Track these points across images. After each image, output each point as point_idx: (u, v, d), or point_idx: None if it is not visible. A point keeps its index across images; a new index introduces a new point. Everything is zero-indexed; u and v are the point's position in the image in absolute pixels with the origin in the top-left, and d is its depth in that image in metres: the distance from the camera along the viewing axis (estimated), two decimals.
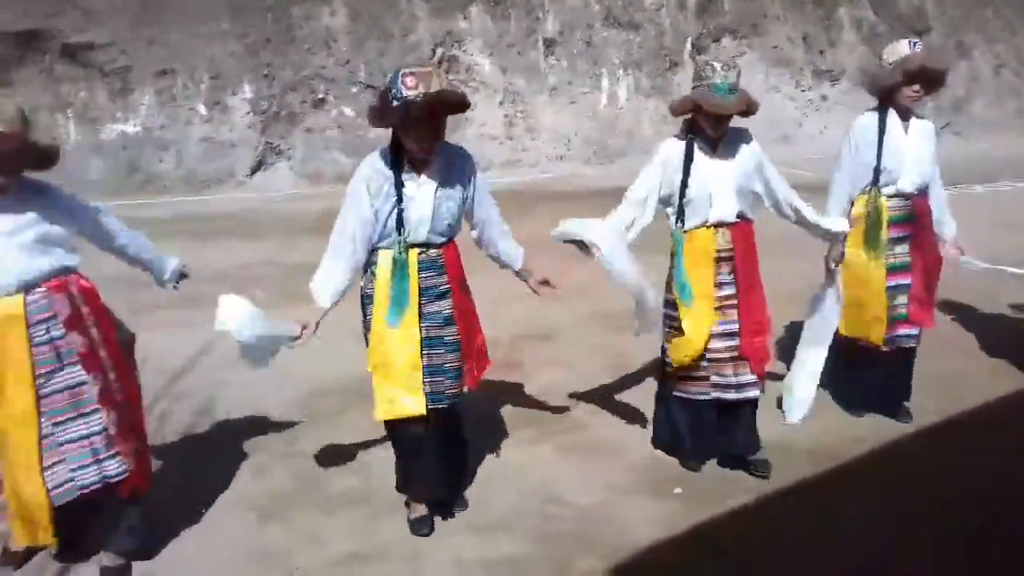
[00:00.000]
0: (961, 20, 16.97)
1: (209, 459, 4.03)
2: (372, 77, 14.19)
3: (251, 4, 13.89)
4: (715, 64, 3.42)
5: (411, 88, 2.82)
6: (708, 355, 3.63)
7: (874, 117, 4.06)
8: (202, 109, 13.62)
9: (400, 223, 3.08)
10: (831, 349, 4.11)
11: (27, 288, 2.84)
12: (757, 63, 16.08)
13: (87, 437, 2.91)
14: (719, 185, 3.54)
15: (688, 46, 15.77)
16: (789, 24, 16.33)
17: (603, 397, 4.63)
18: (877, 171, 4.03)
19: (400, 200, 3.06)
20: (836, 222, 3.89)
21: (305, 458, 4.00)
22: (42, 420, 2.86)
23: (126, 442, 3.00)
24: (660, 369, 3.94)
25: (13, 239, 2.80)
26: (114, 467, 2.96)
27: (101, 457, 2.93)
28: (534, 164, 14.72)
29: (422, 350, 3.15)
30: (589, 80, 15.32)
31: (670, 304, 3.69)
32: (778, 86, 16.02)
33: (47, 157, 2.89)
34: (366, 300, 3.23)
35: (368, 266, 3.20)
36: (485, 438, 4.06)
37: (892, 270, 4.08)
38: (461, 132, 14.67)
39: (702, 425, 3.76)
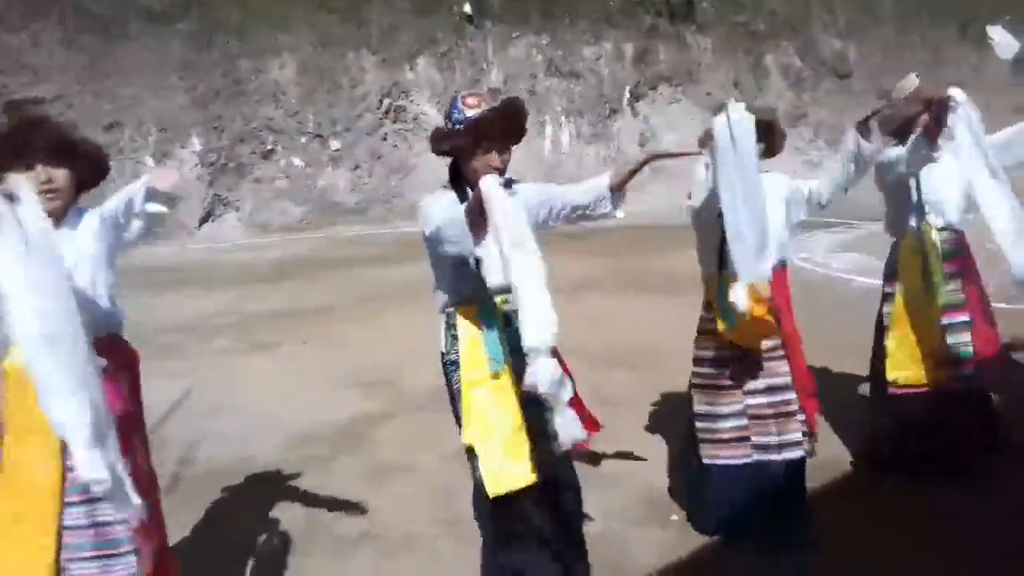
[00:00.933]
0: (881, 66, 18.12)
1: (201, 510, 3.98)
2: (321, 127, 14.60)
3: (200, 58, 14.20)
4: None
5: (473, 107, 2.64)
6: (749, 411, 3.27)
7: (901, 151, 3.64)
8: (150, 161, 13.79)
9: (477, 262, 2.68)
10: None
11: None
12: (692, 109, 16.93)
13: (100, 526, 2.42)
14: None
15: (626, 94, 16.58)
16: (721, 71, 17.27)
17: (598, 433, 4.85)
18: (921, 205, 3.81)
19: None
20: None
21: (303, 505, 3.98)
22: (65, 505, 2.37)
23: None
24: (689, 438, 3.47)
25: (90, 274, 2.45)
26: (123, 570, 2.46)
27: (111, 554, 2.44)
28: None
29: (523, 410, 2.72)
30: (533, 127, 15.85)
31: (703, 361, 3.37)
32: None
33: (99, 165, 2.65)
34: (450, 368, 2.81)
35: (447, 331, 2.83)
36: None
37: (946, 308, 3.77)
38: (410, 178, 15.16)
39: (745, 497, 3.30)
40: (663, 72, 16.92)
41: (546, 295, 2.28)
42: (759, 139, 3.06)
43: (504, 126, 2.66)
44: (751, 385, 3.28)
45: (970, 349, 3.73)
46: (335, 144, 14.65)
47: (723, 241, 3.17)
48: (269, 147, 14.34)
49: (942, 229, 3.81)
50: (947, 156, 3.67)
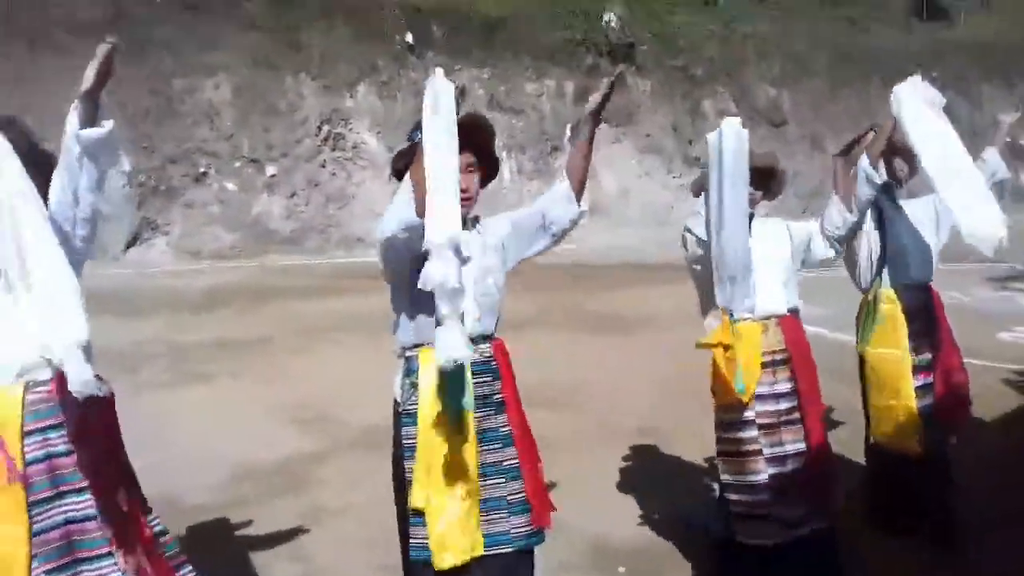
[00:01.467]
0: (812, 114, 18.82)
1: None
2: (256, 152, 14.32)
3: (130, 75, 13.80)
4: None
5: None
6: (773, 482, 3.02)
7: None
8: None
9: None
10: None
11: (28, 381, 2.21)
12: (631, 150, 17.25)
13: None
14: (768, 272, 3.14)
15: (567, 132, 16.69)
16: (659, 114, 17.65)
17: None
18: (883, 259, 3.73)
19: None
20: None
21: (236, 548, 3.85)
22: (33, 565, 2.14)
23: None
24: (722, 510, 3.17)
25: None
26: None
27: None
28: None
29: (483, 477, 2.46)
30: None
31: (723, 424, 3.16)
32: (650, 172, 17.19)
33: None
34: (405, 420, 2.50)
35: (405, 377, 2.53)
36: None
37: (917, 369, 3.67)
38: (349, 209, 14.98)
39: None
40: (604, 112, 17.14)
41: (456, 200, 2.14)
42: (758, 185, 3.13)
43: (465, 141, 2.34)
44: (772, 451, 3.03)
45: (930, 413, 3.63)
46: (271, 169, 14.35)
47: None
48: (202, 170, 13.95)
49: (908, 287, 3.72)
50: (919, 208, 3.78)
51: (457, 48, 16.35)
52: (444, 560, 2.37)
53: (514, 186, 16.10)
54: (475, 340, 2.40)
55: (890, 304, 3.69)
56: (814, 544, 3.03)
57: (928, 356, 3.70)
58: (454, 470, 2.41)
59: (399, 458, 2.54)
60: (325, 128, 15.01)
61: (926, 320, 3.73)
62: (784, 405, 3.06)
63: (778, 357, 3.08)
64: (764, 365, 3.05)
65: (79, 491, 2.22)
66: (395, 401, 2.58)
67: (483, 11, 16.81)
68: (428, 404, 2.42)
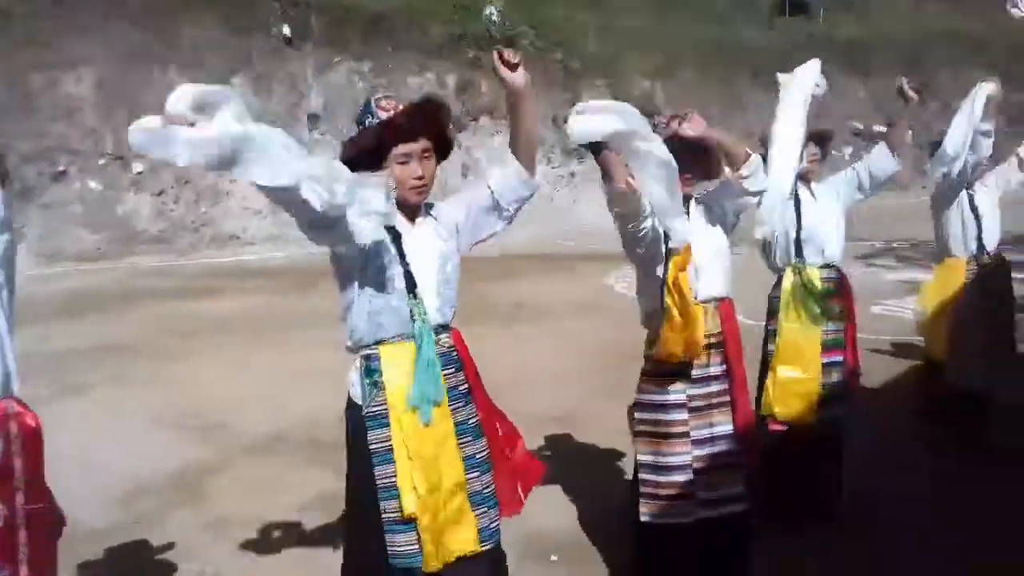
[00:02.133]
0: (684, 103, 19.50)
1: None
2: (121, 148, 13.60)
3: None
4: None
5: (387, 109, 2.33)
6: (696, 463, 3.01)
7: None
8: None
9: (412, 283, 2.34)
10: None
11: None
12: None
13: None
14: (708, 255, 3.08)
15: (449, 124, 16.76)
16: (540, 105, 17.86)
17: None
18: (800, 241, 3.90)
19: (403, 256, 2.36)
20: None
21: (136, 568, 3.67)
22: None
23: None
24: (631, 498, 3.18)
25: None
26: None
27: None
28: (302, 239, 14.68)
29: (465, 471, 2.39)
30: None
31: (648, 406, 3.11)
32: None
33: None
34: (371, 424, 2.34)
35: (366, 377, 2.37)
36: None
37: (825, 347, 3.87)
38: (222, 206, 14.49)
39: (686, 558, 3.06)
40: (484, 104, 17.24)
41: None
42: (693, 165, 2.99)
43: (421, 127, 2.33)
44: (699, 434, 3.03)
45: (841, 390, 3.85)
46: (137, 167, 13.63)
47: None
48: (61, 168, 13.16)
49: (823, 267, 3.92)
50: (826, 191, 4.01)
51: (336, 41, 16.02)
52: (435, 562, 2.30)
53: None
54: (437, 331, 2.36)
55: (808, 282, 3.88)
56: (728, 525, 3.05)
57: (839, 335, 3.92)
58: (440, 467, 2.32)
59: (366, 464, 2.34)
60: None
61: (837, 299, 3.94)
62: (715, 387, 3.08)
63: (714, 340, 3.07)
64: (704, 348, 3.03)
65: None
66: (350, 404, 2.43)
67: (363, 3, 16.56)
68: (398, 403, 2.30)
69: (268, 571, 3.58)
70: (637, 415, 3.14)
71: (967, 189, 4.67)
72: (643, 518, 3.04)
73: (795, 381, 3.81)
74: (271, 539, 3.80)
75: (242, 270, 12.51)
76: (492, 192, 2.53)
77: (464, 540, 2.35)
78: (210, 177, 14.36)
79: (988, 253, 4.70)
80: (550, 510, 4.02)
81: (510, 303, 9.23)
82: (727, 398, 3.09)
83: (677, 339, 2.93)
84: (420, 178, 2.36)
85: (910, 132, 4.07)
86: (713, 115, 19.92)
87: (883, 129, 22.03)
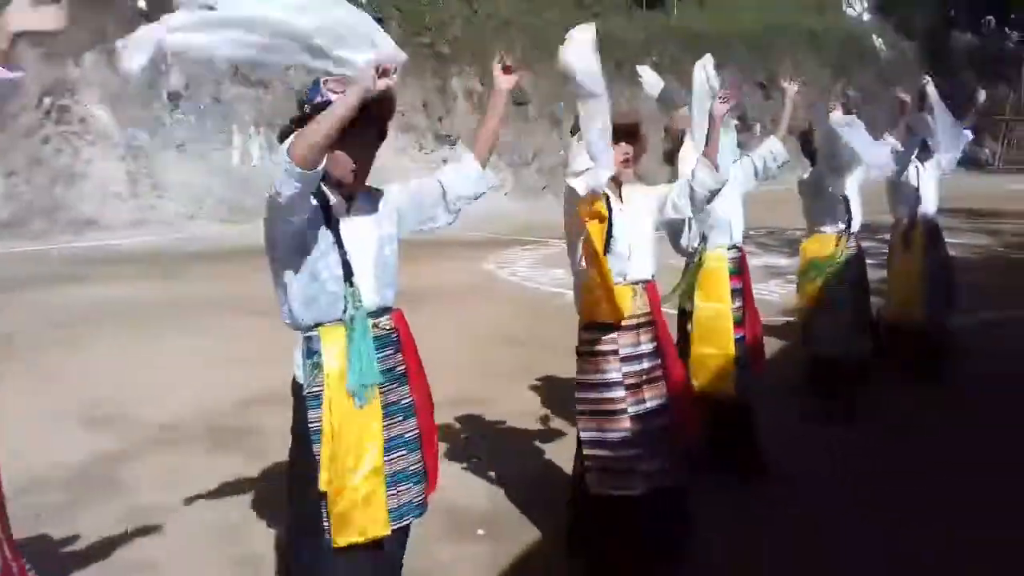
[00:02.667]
0: (552, 95, 20.03)
1: None
2: None
3: None
4: None
5: (338, 92, 2.27)
6: (636, 437, 3.17)
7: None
8: None
9: (349, 274, 2.40)
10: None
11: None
12: None
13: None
14: (640, 239, 3.28)
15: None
16: (410, 91, 17.87)
17: None
18: (709, 224, 4.15)
19: (340, 243, 2.40)
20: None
21: (68, 564, 3.49)
22: None
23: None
24: (577, 464, 3.39)
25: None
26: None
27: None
28: (166, 223, 14.26)
29: (385, 452, 2.47)
30: (219, 137, 15.27)
31: (588, 385, 3.25)
32: (404, 148, 17.44)
33: None
34: (311, 403, 2.44)
35: (307, 357, 2.45)
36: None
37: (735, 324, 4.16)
38: (78, 188, 13.78)
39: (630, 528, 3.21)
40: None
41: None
42: (633, 141, 3.24)
43: (369, 113, 2.30)
44: (635, 409, 3.17)
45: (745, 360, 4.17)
46: None
47: None
48: None
49: (728, 247, 4.21)
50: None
51: None
52: (341, 538, 2.38)
53: (264, 164, 15.62)
54: (376, 313, 2.45)
55: (716, 263, 4.16)
56: (668, 494, 3.21)
57: (740, 311, 4.21)
58: (360, 449, 2.40)
59: (305, 442, 2.44)
60: (47, 100, 13.61)
61: (739, 278, 4.24)
62: (647, 364, 3.22)
63: (643, 320, 3.23)
64: (629, 328, 3.19)
65: None
66: (295, 384, 2.50)
67: None
68: (333, 383, 2.38)
69: (201, 554, 3.58)
70: (577, 395, 3.28)
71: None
72: (593, 490, 3.18)
73: (710, 356, 4.11)
74: (191, 525, 3.79)
75: (104, 256, 11.98)
76: (442, 185, 2.64)
77: (374, 521, 2.42)
78: (64, 158, 13.68)
79: (853, 233, 5.21)
80: (470, 488, 4.17)
81: (412, 289, 9.38)
82: (659, 374, 3.26)
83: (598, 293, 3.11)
84: (366, 163, 2.43)
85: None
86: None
87: (736, 120, 23.48)
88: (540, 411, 5.39)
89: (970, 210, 14.86)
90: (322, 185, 2.36)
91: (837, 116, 4.78)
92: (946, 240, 6.19)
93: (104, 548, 3.65)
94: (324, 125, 2.14)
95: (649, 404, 3.22)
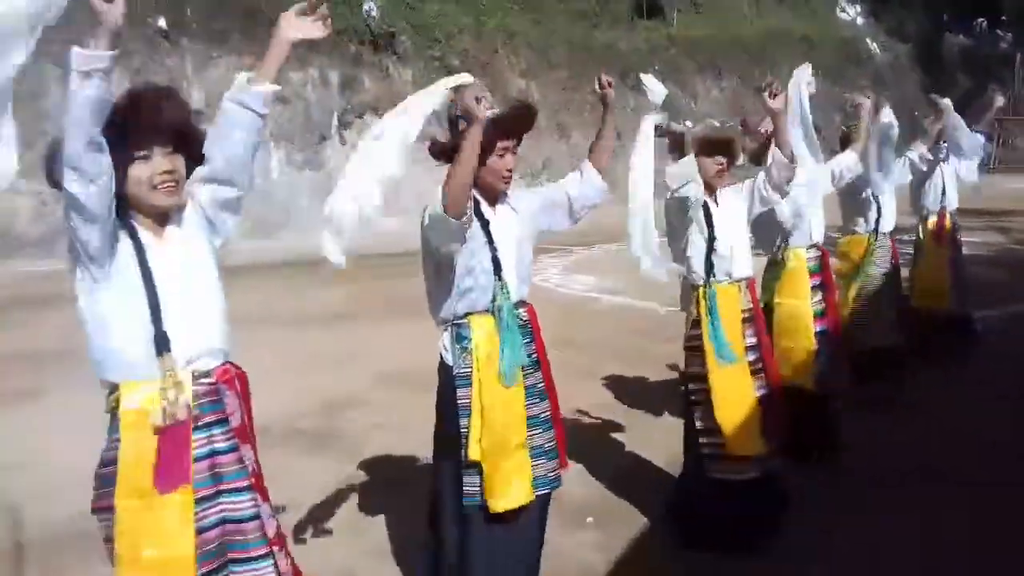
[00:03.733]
0: (560, 105, 20.34)
1: None
2: None
3: None
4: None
5: (489, 108, 2.59)
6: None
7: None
8: None
9: (498, 265, 2.70)
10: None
11: (196, 371, 2.12)
12: None
13: None
14: (739, 238, 3.56)
15: (335, 120, 16.80)
16: None
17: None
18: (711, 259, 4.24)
19: (491, 241, 2.70)
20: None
21: None
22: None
23: None
24: (692, 452, 3.62)
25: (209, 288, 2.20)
26: None
27: None
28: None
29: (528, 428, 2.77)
30: None
31: (697, 377, 3.50)
32: (418, 160, 17.56)
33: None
34: (460, 382, 2.71)
35: (456, 343, 2.74)
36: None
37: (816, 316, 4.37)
38: None
39: (749, 510, 3.48)
40: (369, 101, 17.19)
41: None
42: (724, 155, 3.57)
43: (516, 127, 2.73)
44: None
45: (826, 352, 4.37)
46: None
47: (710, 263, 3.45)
48: None
49: (808, 247, 4.43)
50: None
51: (215, 34, 15.58)
52: (499, 505, 2.67)
53: (284, 177, 15.84)
54: (516, 305, 2.75)
55: (797, 262, 4.39)
56: (772, 478, 3.52)
57: (822, 304, 4.41)
58: (509, 424, 2.70)
59: (452, 418, 2.73)
60: None
61: (819, 275, 4.45)
62: (751, 357, 3.48)
63: (747, 315, 3.51)
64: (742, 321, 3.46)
65: (238, 490, 2.15)
66: (443, 366, 2.79)
67: None
68: (482, 366, 2.67)
69: (324, 550, 3.72)
70: (690, 386, 3.54)
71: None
72: (713, 475, 3.46)
73: (790, 350, 4.31)
74: (311, 521, 3.98)
75: None
76: (568, 196, 2.97)
77: (522, 490, 2.71)
78: None
79: (885, 233, 5.50)
80: (575, 479, 4.31)
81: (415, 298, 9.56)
82: (760, 366, 3.51)
83: None
84: (511, 170, 2.77)
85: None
86: (585, 114, 20.89)
87: (739, 127, 23.71)
88: (608, 408, 5.62)
89: (978, 210, 15.19)
90: (475, 193, 2.70)
91: (887, 116, 5.06)
92: (961, 238, 6.50)
93: None
94: (461, 173, 2.47)
95: (757, 392, 3.47)
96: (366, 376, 6.37)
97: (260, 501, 2.19)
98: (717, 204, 3.58)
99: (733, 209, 3.61)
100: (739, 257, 3.53)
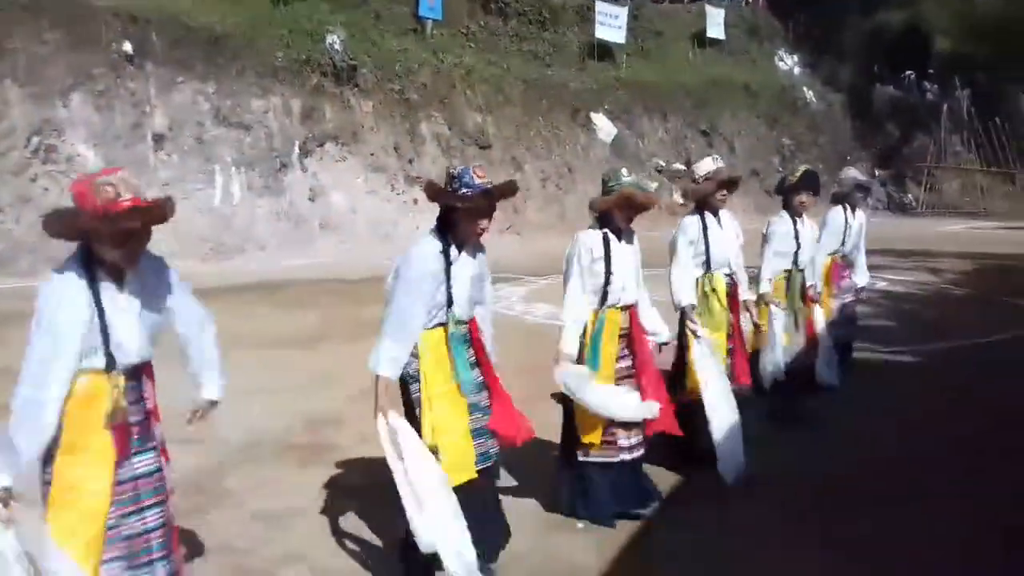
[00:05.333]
0: (514, 139, 20.79)
1: None
2: None
3: None
4: (624, 170, 4.24)
5: (482, 178, 3.33)
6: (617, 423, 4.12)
7: (696, 218, 5.01)
8: None
9: (451, 300, 3.37)
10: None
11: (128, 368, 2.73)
12: (357, 168, 17.74)
13: (145, 533, 2.79)
14: (631, 272, 4.20)
15: (296, 149, 16.96)
16: (382, 134, 18.33)
17: None
18: (708, 259, 4.97)
19: (449, 279, 3.36)
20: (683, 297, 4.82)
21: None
22: (112, 509, 2.69)
23: (175, 543, 2.91)
24: (569, 438, 4.29)
25: (139, 321, 2.77)
26: (164, 571, 2.83)
27: (155, 557, 2.80)
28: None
29: (469, 416, 3.42)
30: (202, 176, 15.34)
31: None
32: (376, 189, 17.78)
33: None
34: (410, 380, 3.40)
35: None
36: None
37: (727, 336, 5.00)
38: None
39: (621, 484, 4.23)
40: (329, 131, 17.33)
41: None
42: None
43: (498, 201, 3.42)
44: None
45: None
46: None
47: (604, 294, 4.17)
48: None
49: (727, 275, 5.08)
50: (725, 219, 5.15)
51: (179, 60, 15.63)
52: (456, 479, 3.32)
53: (244, 202, 15.89)
54: (462, 323, 3.49)
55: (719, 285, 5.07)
56: (638, 463, 4.35)
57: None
58: (452, 416, 3.42)
59: (411, 407, 3.47)
60: (35, 139, 13.73)
61: (733, 300, 5.14)
62: (623, 364, 4.39)
63: (623, 332, 4.39)
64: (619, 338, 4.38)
65: (149, 450, 2.88)
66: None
67: (206, 24, 16.40)
68: (431, 370, 3.39)
69: (334, 548, 4.01)
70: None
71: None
72: (587, 459, 4.21)
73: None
74: (314, 525, 4.30)
75: None
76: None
77: (468, 467, 3.39)
78: (52, 196, 13.78)
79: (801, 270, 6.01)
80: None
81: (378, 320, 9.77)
82: (635, 371, 4.29)
83: None
84: (484, 230, 3.48)
85: None
86: (537, 148, 21.44)
87: (683, 167, 24.24)
88: None
89: (910, 251, 16.07)
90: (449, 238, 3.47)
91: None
92: (891, 277, 7.14)
93: (248, 545, 4.01)
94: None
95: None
96: (341, 395, 6.49)
97: (163, 459, 2.95)
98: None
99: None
100: (630, 287, 4.25)
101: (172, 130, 15.40)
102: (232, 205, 15.76)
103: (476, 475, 3.39)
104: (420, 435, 3.31)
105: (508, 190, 3.46)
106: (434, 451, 3.28)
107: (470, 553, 3.18)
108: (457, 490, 3.29)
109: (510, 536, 3.67)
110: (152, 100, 15.30)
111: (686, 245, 4.95)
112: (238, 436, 5.69)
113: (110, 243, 2.61)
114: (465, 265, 3.44)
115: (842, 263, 6.88)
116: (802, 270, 5.92)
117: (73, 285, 2.67)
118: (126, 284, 2.77)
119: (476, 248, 3.54)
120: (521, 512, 4.23)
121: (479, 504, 3.42)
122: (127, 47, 15.13)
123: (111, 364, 2.71)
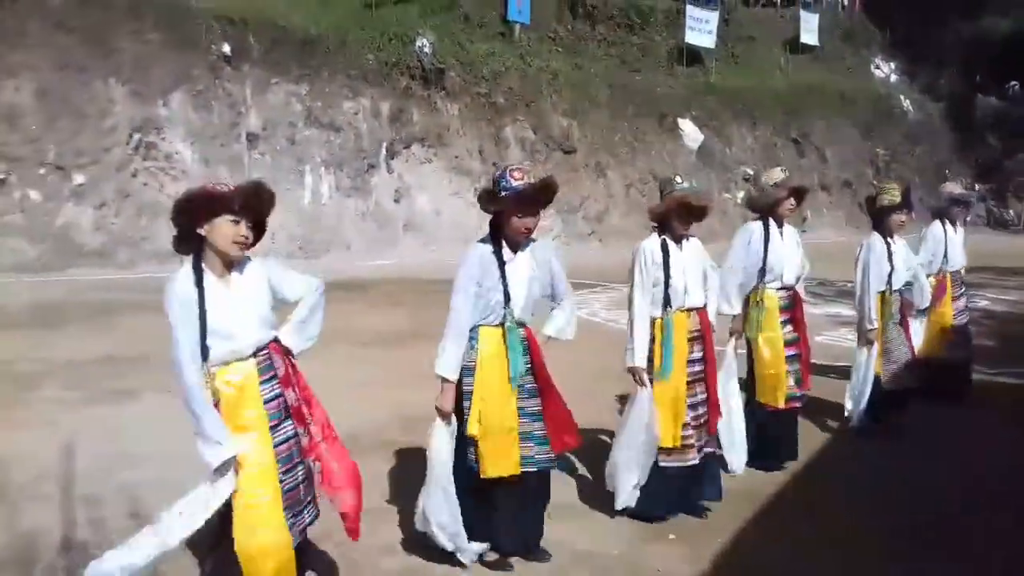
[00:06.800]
0: (599, 145, 20.54)
1: None
2: (63, 158, 13.22)
3: None
4: (678, 176, 4.25)
5: (519, 179, 3.35)
6: (692, 424, 4.14)
7: (759, 225, 4.92)
8: None
9: (507, 297, 3.43)
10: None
11: (256, 351, 3.01)
12: (442, 171, 17.79)
13: (297, 486, 3.07)
14: (692, 275, 4.15)
15: (383, 150, 17.12)
16: (467, 138, 18.37)
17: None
18: (763, 270, 4.87)
19: (504, 278, 3.43)
20: (731, 307, 4.84)
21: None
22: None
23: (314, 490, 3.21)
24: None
25: (256, 306, 3.02)
26: (310, 515, 3.16)
27: (304, 504, 3.11)
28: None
29: (518, 417, 3.48)
30: (292, 176, 15.63)
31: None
32: (459, 192, 17.91)
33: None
34: (465, 372, 3.47)
35: (467, 342, 3.49)
36: None
37: (786, 345, 4.89)
38: (161, 220, 14.23)
39: (687, 487, 4.26)
40: (416, 133, 17.42)
41: None
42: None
43: (539, 197, 3.43)
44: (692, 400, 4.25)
45: (796, 377, 4.96)
46: (79, 178, 13.09)
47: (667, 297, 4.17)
48: (1, 176, 12.79)
49: (779, 288, 4.94)
50: (788, 232, 5.00)
51: (274, 62, 15.93)
52: (489, 472, 3.46)
53: (332, 202, 16.10)
54: (519, 325, 3.54)
55: (769, 301, 4.95)
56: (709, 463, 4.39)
57: (794, 335, 4.98)
58: (499, 411, 3.49)
59: (459, 399, 3.56)
60: (136, 136, 14.18)
61: (792, 312, 5.00)
62: (696, 368, 4.39)
63: (694, 335, 4.30)
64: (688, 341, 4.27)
65: (288, 417, 3.14)
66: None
67: (300, 27, 16.70)
68: (486, 362, 3.48)
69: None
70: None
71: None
72: (662, 464, 4.18)
73: (766, 376, 4.98)
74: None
75: None
76: (553, 288, 3.80)
77: (509, 464, 3.47)
78: (150, 191, 14.22)
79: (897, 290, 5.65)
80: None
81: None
82: (704, 374, 4.35)
83: None
84: (529, 229, 3.47)
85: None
86: (622, 154, 21.15)
87: (750, 172, 23.30)
88: None
89: (1009, 268, 15.20)
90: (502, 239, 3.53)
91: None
92: (993, 296, 6.70)
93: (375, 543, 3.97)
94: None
95: (698, 397, 4.44)
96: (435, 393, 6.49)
97: (298, 424, 3.16)
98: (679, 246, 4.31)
99: (696, 255, 4.34)
100: (693, 290, 4.22)
101: (266, 130, 15.68)
102: (320, 205, 15.96)
103: (517, 472, 3.48)
104: (465, 426, 3.44)
105: (543, 189, 3.41)
106: (473, 442, 3.43)
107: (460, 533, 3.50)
108: (494, 483, 3.46)
109: (541, 536, 3.78)
110: (248, 101, 15.60)
111: (742, 246, 4.95)
112: (338, 430, 5.67)
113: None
114: (521, 265, 3.50)
115: (948, 280, 6.54)
116: (896, 290, 5.60)
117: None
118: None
119: (540, 250, 3.61)
120: (616, 521, 4.31)
121: (515, 502, 3.58)
122: (226, 48, 15.47)
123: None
